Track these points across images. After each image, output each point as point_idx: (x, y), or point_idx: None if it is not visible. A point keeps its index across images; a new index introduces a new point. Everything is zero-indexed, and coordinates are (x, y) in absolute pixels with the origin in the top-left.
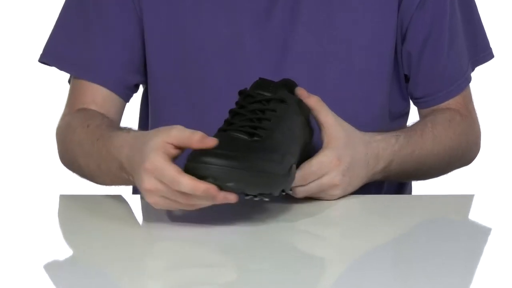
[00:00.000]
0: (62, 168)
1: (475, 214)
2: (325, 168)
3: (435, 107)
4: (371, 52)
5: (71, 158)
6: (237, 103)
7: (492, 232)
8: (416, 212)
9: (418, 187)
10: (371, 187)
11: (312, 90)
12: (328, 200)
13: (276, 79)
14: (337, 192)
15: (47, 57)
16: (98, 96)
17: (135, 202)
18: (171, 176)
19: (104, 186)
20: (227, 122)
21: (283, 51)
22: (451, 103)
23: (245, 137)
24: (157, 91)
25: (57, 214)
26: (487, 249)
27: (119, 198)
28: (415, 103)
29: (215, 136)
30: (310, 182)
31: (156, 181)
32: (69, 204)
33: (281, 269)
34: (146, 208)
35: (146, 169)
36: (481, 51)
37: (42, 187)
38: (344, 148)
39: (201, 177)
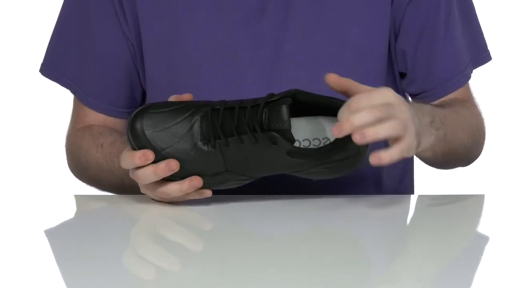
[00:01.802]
0: (58, 169)
1: (487, 215)
2: (370, 92)
3: (436, 102)
4: (364, 50)
5: (90, 176)
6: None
7: (504, 233)
8: (429, 212)
9: (421, 187)
10: (369, 186)
11: (306, 89)
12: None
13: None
14: (404, 107)
15: (45, 72)
16: (100, 118)
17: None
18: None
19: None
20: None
21: (276, 50)
22: (457, 95)
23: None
24: (155, 96)
25: (73, 214)
26: (500, 250)
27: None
28: (413, 100)
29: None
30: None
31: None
32: (84, 204)
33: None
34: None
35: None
36: (479, 53)
37: (40, 187)
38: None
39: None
